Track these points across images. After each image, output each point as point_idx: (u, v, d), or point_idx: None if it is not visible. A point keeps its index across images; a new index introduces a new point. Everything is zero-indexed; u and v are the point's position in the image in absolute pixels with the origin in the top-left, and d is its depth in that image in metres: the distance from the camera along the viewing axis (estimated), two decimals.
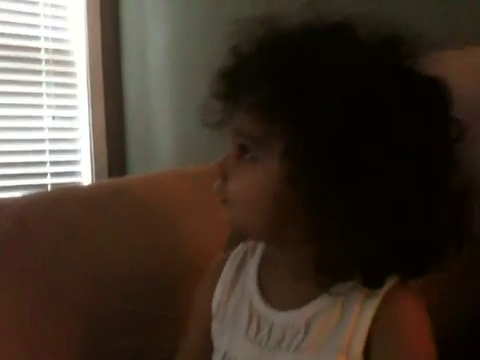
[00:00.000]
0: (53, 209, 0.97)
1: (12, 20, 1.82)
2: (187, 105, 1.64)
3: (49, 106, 1.91)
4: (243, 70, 0.57)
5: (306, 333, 0.58)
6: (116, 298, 0.94)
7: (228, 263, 0.69)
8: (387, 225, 0.52)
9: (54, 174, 1.91)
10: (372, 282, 0.55)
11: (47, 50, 1.89)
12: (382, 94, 0.52)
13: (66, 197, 1.01)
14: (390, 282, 0.56)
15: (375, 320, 0.55)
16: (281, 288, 0.62)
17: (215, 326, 0.68)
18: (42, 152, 1.89)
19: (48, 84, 1.90)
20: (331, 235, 0.53)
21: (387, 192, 0.51)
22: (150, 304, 0.97)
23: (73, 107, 1.97)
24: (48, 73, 1.89)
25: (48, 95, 1.90)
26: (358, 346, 0.55)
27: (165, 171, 1.28)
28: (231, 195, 0.59)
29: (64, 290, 0.91)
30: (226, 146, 0.61)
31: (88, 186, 1.26)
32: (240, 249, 0.70)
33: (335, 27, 0.56)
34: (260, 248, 0.68)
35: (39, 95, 1.89)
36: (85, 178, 1.97)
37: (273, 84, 0.53)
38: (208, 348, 0.68)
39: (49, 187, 1.89)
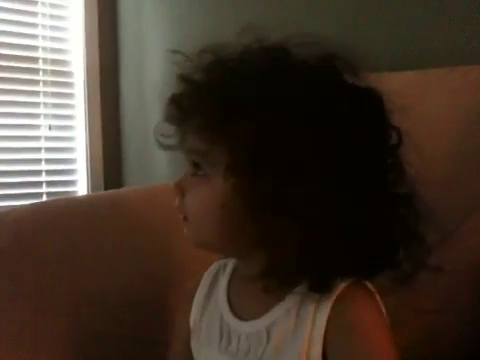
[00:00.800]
0: (50, 223, 0.97)
1: (10, 30, 1.82)
2: None
3: (46, 115, 1.91)
4: (191, 95, 0.61)
5: (268, 341, 0.60)
6: (107, 319, 0.94)
7: (202, 282, 0.73)
8: (331, 230, 0.55)
9: (50, 183, 1.91)
10: (319, 287, 0.57)
11: (45, 60, 1.89)
12: (319, 107, 0.56)
13: (64, 210, 1.01)
14: (342, 284, 0.57)
15: (329, 323, 0.57)
16: (246, 299, 0.66)
17: (193, 343, 0.71)
18: (38, 161, 1.89)
19: (45, 94, 1.90)
20: (277, 241, 0.56)
21: (329, 198, 0.54)
22: (143, 326, 0.97)
23: (70, 117, 1.97)
24: (45, 83, 1.90)
25: (45, 105, 1.90)
26: (316, 350, 0.57)
27: (162, 184, 1.29)
28: (186, 212, 0.63)
29: (60, 306, 0.90)
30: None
31: (85, 198, 1.26)
32: (213, 268, 0.74)
33: (271, 49, 0.60)
34: (231, 265, 0.71)
35: (36, 105, 1.89)
36: (81, 187, 1.97)
37: (216, 106, 0.58)
38: None
39: (45, 196, 1.89)
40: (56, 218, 0.98)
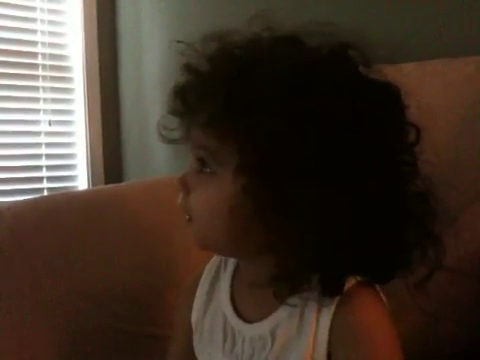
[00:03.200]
0: (49, 218, 0.97)
1: (9, 25, 1.82)
2: None
3: (46, 111, 1.91)
4: (195, 87, 0.57)
5: (272, 344, 0.58)
6: (107, 314, 0.94)
7: (202, 278, 0.70)
8: (344, 233, 0.52)
9: (50, 178, 1.91)
10: (331, 291, 0.55)
11: (44, 55, 1.89)
12: (332, 104, 0.52)
13: (62, 205, 1.01)
14: (346, 283, 0.55)
15: (333, 324, 0.55)
16: (249, 300, 0.63)
17: (195, 342, 0.68)
18: (38, 157, 1.89)
19: (45, 89, 1.90)
20: (287, 245, 0.53)
21: (342, 200, 0.51)
22: (141, 321, 0.96)
23: (70, 112, 1.97)
24: (45, 78, 1.90)
25: (45, 100, 1.90)
26: (321, 352, 0.55)
27: (161, 178, 1.28)
28: (192, 210, 0.59)
29: (59, 302, 0.90)
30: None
31: (84, 193, 1.26)
32: (214, 262, 0.70)
33: (283, 39, 0.56)
34: (232, 261, 0.68)
35: (36, 100, 1.89)
36: (81, 183, 1.97)
37: (222, 101, 0.54)
38: None
39: (45, 191, 1.89)
40: (55, 213, 0.98)
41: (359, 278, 0.56)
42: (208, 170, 0.58)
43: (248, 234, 0.56)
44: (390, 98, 0.56)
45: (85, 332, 0.92)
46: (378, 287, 0.58)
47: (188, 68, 0.58)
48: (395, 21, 1.02)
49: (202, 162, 0.59)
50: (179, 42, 0.60)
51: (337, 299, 0.55)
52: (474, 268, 0.75)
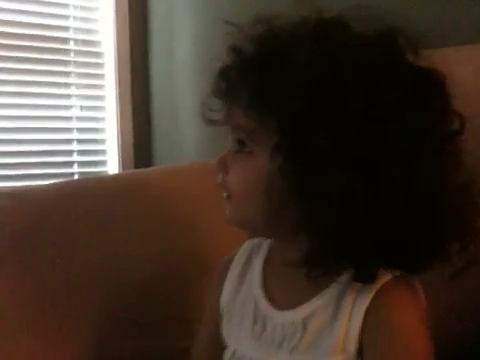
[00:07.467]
0: (73, 203, 0.97)
1: (41, 11, 1.83)
2: None
3: (77, 96, 1.92)
4: (240, 68, 0.59)
5: (303, 333, 0.58)
6: (131, 297, 0.94)
7: (234, 261, 0.70)
8: (379, 219, 0.51)
9: (81, 163, 1.93)
10: (363, 276, 0.54)
11: (76, 41, 1.90)
12: (374, 89, 0.52)
13: (85, 190, 1.01)
14: (384, 277, 0.55)
15: (366, 317, 0.54)
16: (283, 286, 0.63)
17: (224, 325, 0.69)
18: (70, 141, 1.91)
19: (76, 75, 1.92)
20: (319, 227, 0.53)
21: (380, 185, 0.51)
22: (163, 304, 0.97)
23: (101, 98, 1.98)
24: (76, 64, 1.91)
25: (76, 86, 1.92)
26: (352, 344, 0.55)
27: (189, 164, 1.28)
28: (230, 189, 0.61)
29: (79, 288, 0.91)
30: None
31: (107, 178, 1.26)
32: (246, 247, 0.71)
33: (329, 23, 0.57)
34: (265, 246, 0.68)
35: (68, 86, 1.91)
36: (112, 168, 1.99)
37: (262, 82, 0.55)
38: (219, 347, 0.69)
39: (76, 176, 1.91)
40: (78, 200, 0.98)
41: (395, 273, 0.55)
42: (246, 149, 0.60)
43: (282, 214, 0.57)
44: (434, 85, 0.55)
45: (107, 315, 0.93)
46: (417, 284, 0.57)
47: (234, 49, 0.60)
48: (421, 7, 0.99)
49: (240, 143, 0.60)
50: (227, 23, 0.61)
51: (373, 291, 0.54)
52: None
